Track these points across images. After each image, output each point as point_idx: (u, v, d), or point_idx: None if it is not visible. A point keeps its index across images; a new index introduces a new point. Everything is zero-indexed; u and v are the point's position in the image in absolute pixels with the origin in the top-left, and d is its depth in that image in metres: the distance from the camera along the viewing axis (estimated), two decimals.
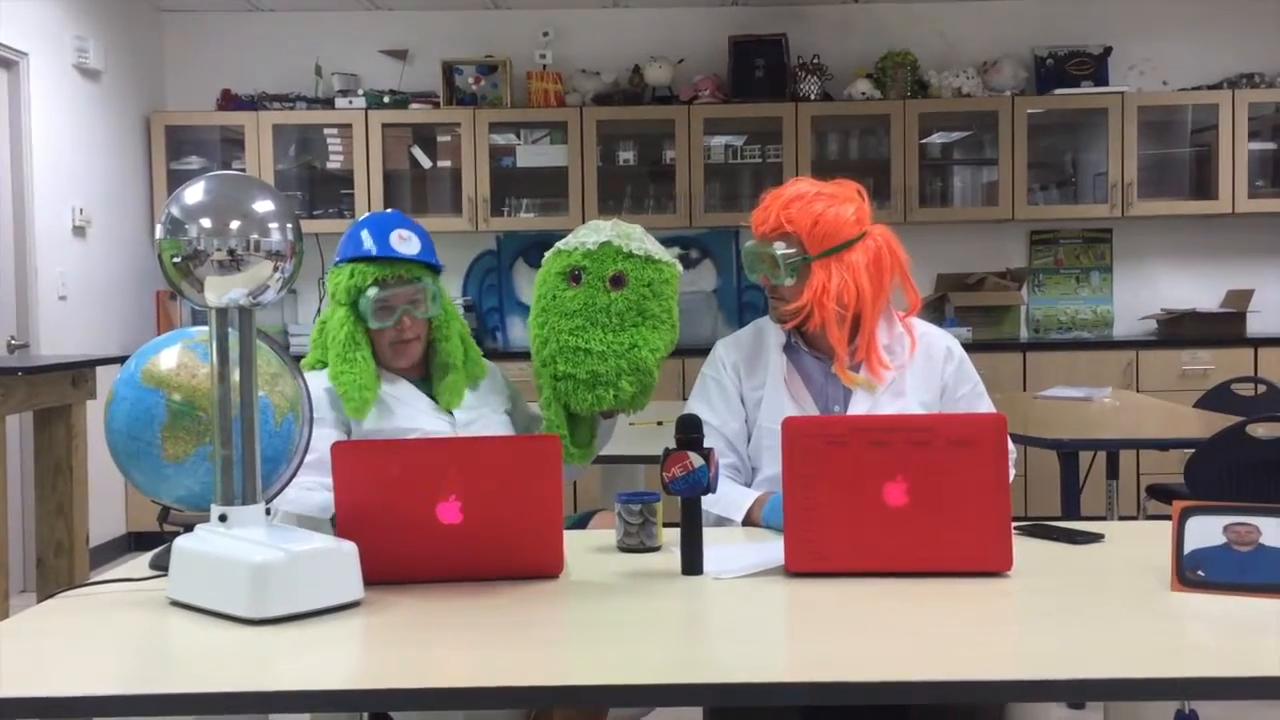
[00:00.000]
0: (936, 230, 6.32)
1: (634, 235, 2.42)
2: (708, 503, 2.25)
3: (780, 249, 2.38)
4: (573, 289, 2.39)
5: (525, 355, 2.54)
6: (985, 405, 2.45)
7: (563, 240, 2.45)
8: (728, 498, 2.32)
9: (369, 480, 1.82)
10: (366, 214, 2.59)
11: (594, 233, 2.41)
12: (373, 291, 2.43)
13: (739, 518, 2.29)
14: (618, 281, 2.37)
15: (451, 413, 2.52)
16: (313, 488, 2.31)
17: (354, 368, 2.42)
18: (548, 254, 2.47)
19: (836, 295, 2.35)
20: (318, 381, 2.40)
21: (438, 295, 2.50)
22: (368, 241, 2.45)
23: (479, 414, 2.56)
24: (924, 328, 2.48)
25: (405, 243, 2.46)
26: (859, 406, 2.40)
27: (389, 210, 2.60)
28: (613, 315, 2.36)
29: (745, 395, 2.49)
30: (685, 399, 2.66)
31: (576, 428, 2.48)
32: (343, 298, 2.46)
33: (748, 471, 2.48)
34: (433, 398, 2.54)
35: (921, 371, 2.44)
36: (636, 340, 2.37)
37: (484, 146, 6.10)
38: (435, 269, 2.53)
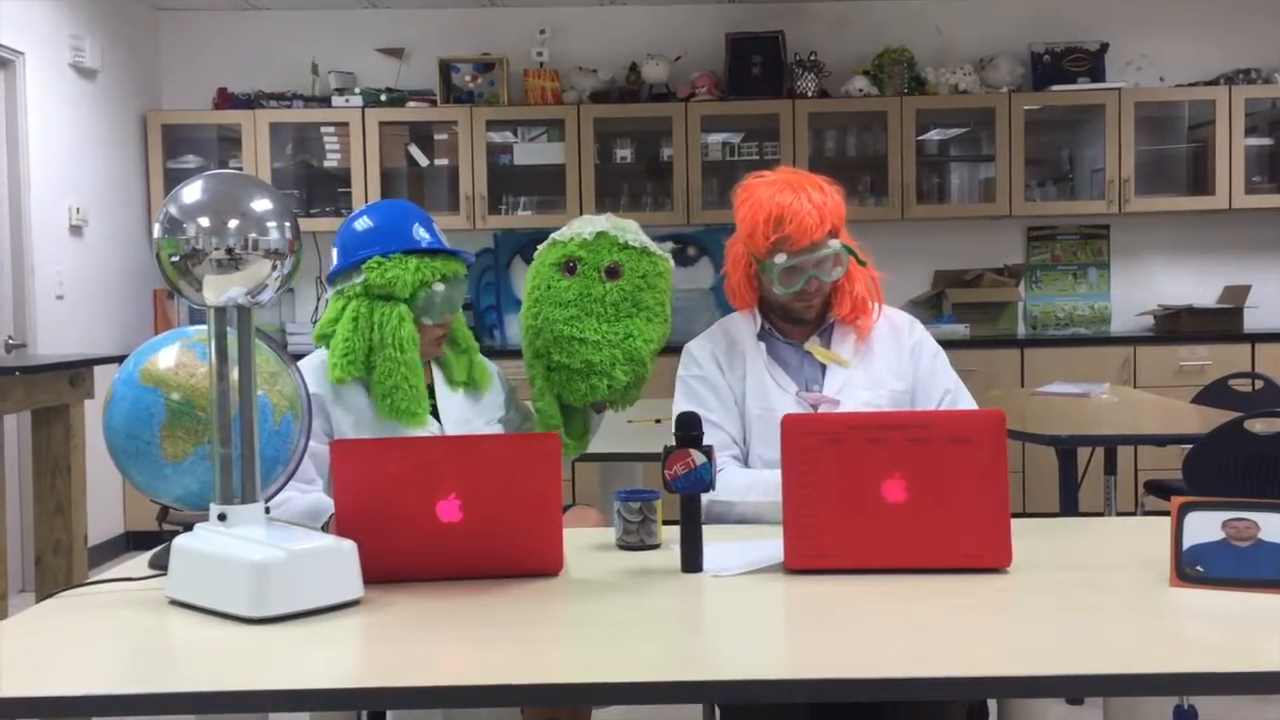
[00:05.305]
0: (933, 227, 6.32)
1: (629, 228, 2.42)
2: (742, 490, 2.26)
3: (837, 244, 2.37)
4: (567, 279, 2.39)
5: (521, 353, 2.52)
6: (949, 371, 2.47)
7: (558, 231, 2.45)
8: (764, 480, 2.28)
9: (368, 478, 1.81)
10: (377, 202, 2.51)
11: (589, 224, 2.42)
12: (440, 287, 2.36)
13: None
14: (613, 272, 2.38)
15: (439, 422, 2.46)
16: (289, 487, 2.28)
17: (406, 369, 2.32)
18: (541, 246, 2.47)
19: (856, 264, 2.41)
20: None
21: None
22: (420, 233, 2.37)
23: (471, 428, 2.48)
24: (886, 308, 2.51)
25: (446, 236, 2.43)
26: (835, 379, 2.42)
27: (397, 199, 2.53)
28: (607, 305, 2.37)
29: (731, 386, 2.46)
30: None
31: (570, 419, 2.48)
32: (404, 291, 2.34)
33: (743, 462, 2.47)
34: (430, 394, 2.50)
35: (889, 342, 2.46)
36: (631, 330, 2.38)
37: (481, 144, 6.09)
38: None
